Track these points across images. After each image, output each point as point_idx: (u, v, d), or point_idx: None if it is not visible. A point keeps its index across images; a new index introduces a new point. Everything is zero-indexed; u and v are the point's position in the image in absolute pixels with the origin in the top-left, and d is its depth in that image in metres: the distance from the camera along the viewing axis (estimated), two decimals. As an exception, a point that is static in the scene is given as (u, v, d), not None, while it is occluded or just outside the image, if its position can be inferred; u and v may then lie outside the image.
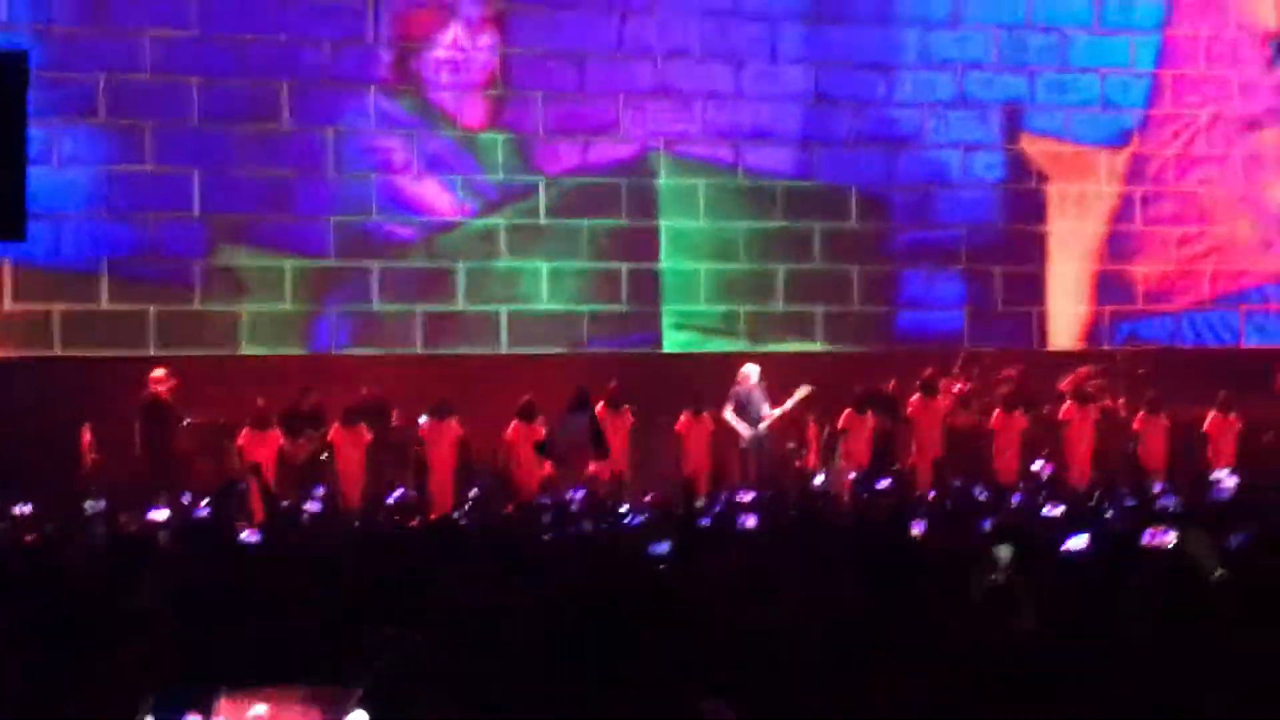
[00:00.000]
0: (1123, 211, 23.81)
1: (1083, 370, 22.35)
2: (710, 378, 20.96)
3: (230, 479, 16.65)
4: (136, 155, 20.12)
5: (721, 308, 22.33)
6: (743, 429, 20.53)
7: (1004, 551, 9.54)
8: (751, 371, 20.80)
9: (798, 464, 21.39)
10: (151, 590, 9.39)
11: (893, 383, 21.53)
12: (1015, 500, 15.28)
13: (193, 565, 9.60)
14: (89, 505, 14.25)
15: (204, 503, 15.45)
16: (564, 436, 19.53)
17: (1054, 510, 13.15)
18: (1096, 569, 9.92)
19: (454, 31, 21.46)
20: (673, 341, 22.18)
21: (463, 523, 12.93)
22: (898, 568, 9.60)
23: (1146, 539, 8.82)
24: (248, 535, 11.73)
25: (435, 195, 21.41)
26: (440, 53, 21.42)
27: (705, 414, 20.41)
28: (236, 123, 20.52)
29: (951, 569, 9.55)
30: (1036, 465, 19.65)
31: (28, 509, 15.50)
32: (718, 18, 22.45)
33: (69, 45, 19.74)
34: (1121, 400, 22.27)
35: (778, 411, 20.53)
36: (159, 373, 18.93)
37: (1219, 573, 8.26)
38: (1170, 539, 8.63)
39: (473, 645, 7.12)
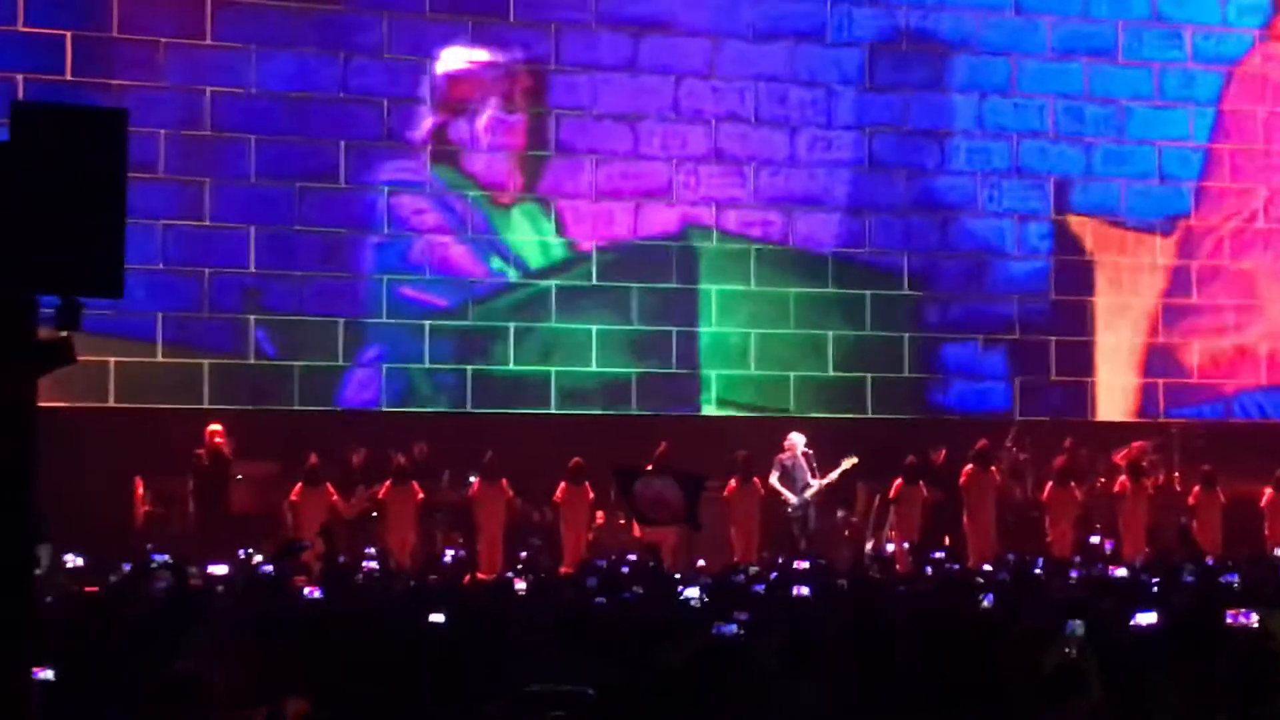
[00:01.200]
0: (1176, 286, 23.69)
1: (1137, 444, 22.16)
2: (757, 442, 20.87)
3: (295, 536, 16.62)
4: (194, 211, 20.22)
5: (770, 373, 22.24)
6: (789, 496, 20.43)
7: (1075, 626, 9.42)
8: (798, 440, 20.69)
9: (848, 533, 21.29)
10: (206, 649, 9.34)
11: (943, 453, 21.38)
12: (1074, 575, 15.13)
13: (260, 622, 9.55)
14: (153, 557, 14.24)
15: (258, 558, 15.42)
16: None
17: (1118, 584, 13.01)
18: (1168, 646, 9.79)
19: (505, 96, 21.51)
20: (720, 406, 22.09)
21: (518, 584, 12.84)
22: (968, 641, 9.48)
23: (1230, 619, 8.68)
24: (309, 592, 11.71)
25: (485, 257, 21.42)
26: (490, 116, 21.47)
27: (754, 479, 20.30)
28: (293, 180, 20.62)
29: (1023, 644, 9.43)
30: (1094, 539, 19.50)
31: (80, 561, 15.49)
32: (773, 83, 22.48)
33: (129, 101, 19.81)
34: (1176, 474, 22.10)
35: (822, 482, 20.42)
36: (215, 426, 18.96)
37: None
38: (1254, 620, 8.49)
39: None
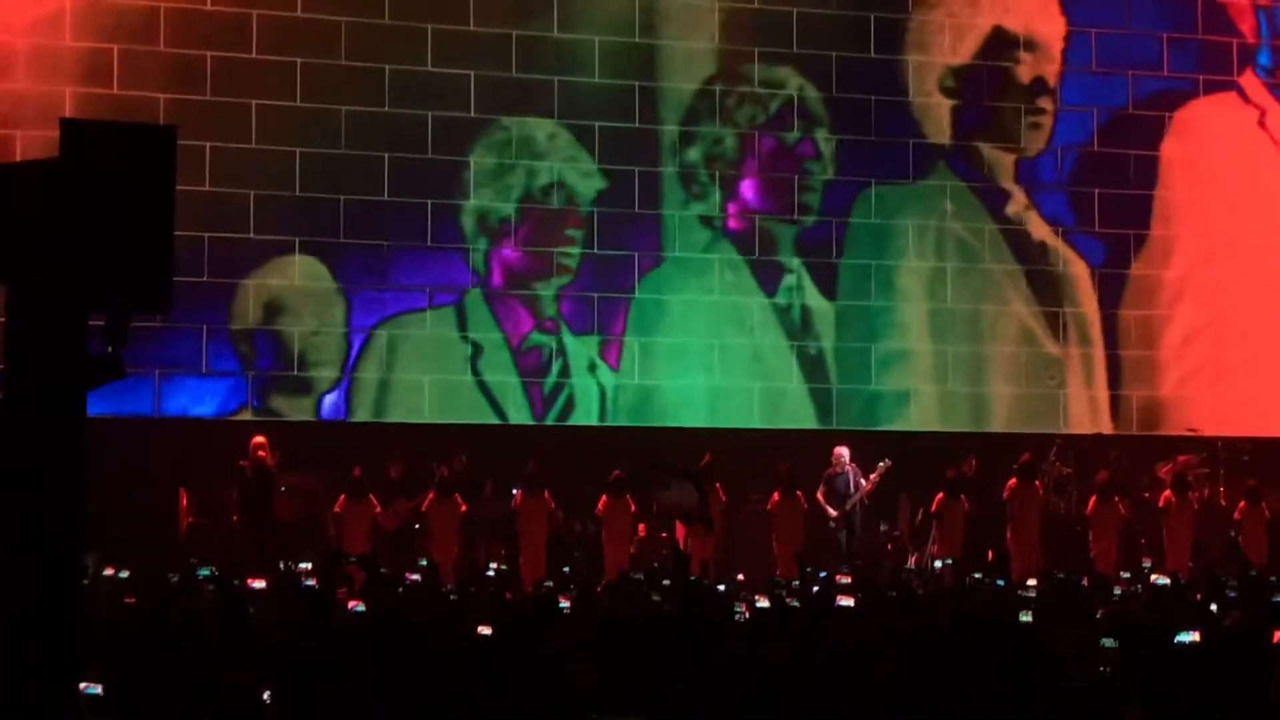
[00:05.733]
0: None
1: (1182, 458, 22.04)
2: (801, 456, 20.87)
3: (338, 550, 16.65)
4: (242, 223, 20.33)
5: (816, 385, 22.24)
6: (830, 510, 20.45)
7: (1110, 642, 9.43)
8: (844, 453, 20.70)
9: (890, 546, 21.26)
10: (253, 662, 9.38)
11: (972, 461, 21.31)
12: (1117, 590, 15.08)
13: (305, 635, 9.59)
14: (200, 571, 14.29)
15: (304, 569, 15.45)
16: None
17: (1160, 600, 12.96)
18: (1211, 663, 9.75)
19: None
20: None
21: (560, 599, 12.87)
22: (1006, 655, 9.47)
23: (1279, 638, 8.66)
24: (352, 605, 11.75)
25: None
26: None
27: (798, 493, 20.28)
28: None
29: (1060, 659, 9.42)
30: (1142, 557, 19.45)
31: (125, 573, 15.53)
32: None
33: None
34: (1221, 489, 21.97)
35: (860, 493, 20.42)
36: (260, 439, 19.02)
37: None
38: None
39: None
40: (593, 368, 21.58)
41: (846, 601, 13.82)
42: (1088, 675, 9.19)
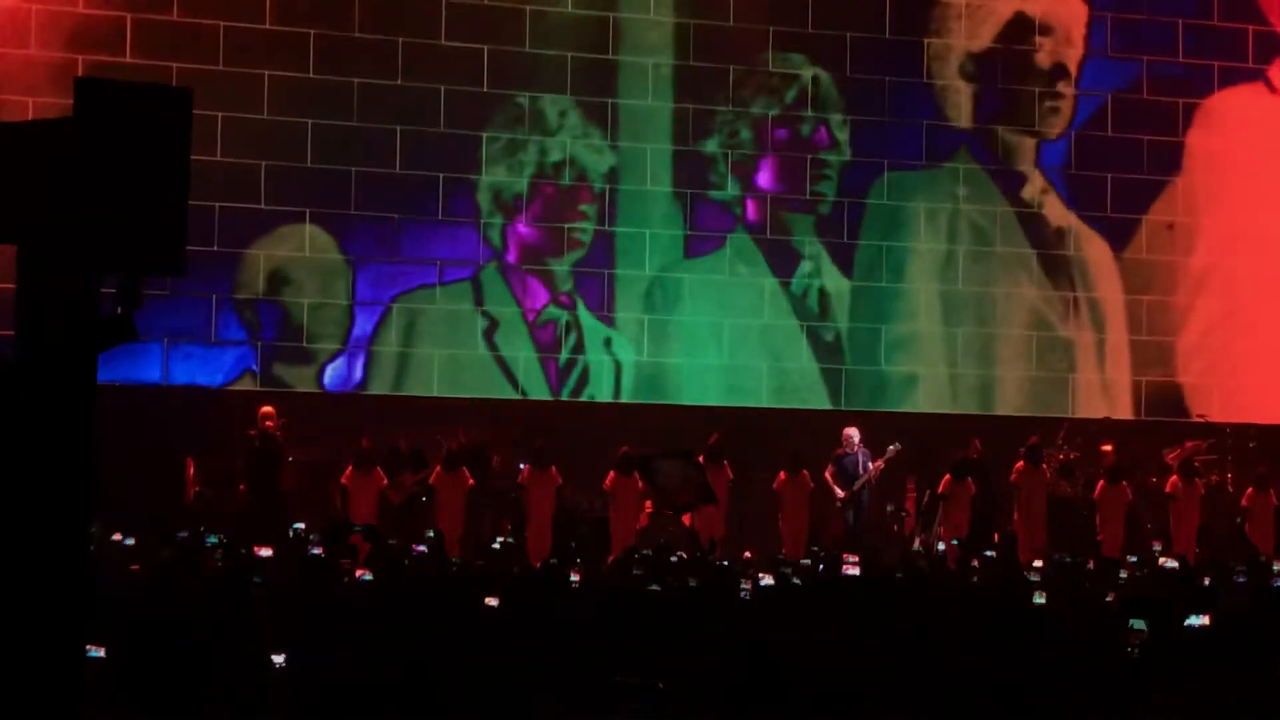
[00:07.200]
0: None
1: (1190, 443, 21.97)
2: (809, 435, 20.84)
3: (345, 519, 16.62)
4: (254, 193, 20.31)
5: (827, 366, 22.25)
6: (837, 490, 20.42)
7: (1139, 624, 9.41)
8: (853, 434, 20.66)
9: (896, 527, 21.21)
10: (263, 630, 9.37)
11: (975, 442, 21.24)
12: (1123, 574, 15.06)
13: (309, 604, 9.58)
14: (208, 539, 14.26)
15: (300, 528, 15.47)
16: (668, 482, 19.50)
17: (1172, 583, 12.94)
18: (1222, 646, 9.74)
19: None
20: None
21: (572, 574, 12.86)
22: (1023, 635, 9.46)
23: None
24: (359, 574, 11.73)
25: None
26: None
27: (804, 472, 20.24)
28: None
29: (1082, 639, 9.41)
30: (1149, 539, 19.39)
31: (130, 540, 15.51)
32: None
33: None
34: (1229, 475, 21.88)
35: (867, 475, 20.37)
36: (267, 409, 19.00)
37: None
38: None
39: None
40: (608, 344, 21.57)
41: (853, 571, 13.84)
42: (1114, 657, 9.17)
